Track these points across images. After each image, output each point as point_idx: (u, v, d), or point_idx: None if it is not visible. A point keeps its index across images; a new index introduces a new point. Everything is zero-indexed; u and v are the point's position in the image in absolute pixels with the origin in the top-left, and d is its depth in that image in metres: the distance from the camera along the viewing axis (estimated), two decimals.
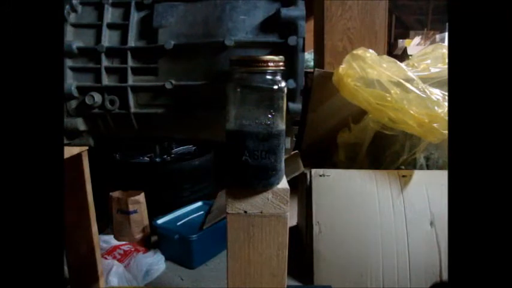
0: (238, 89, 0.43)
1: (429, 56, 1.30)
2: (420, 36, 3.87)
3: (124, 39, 0.54)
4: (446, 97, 1.14)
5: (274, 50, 0.51)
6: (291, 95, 0.51)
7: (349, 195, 1.23)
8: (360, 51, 1.23)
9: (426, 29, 4.66)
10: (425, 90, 1.14)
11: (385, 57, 1.26)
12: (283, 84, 0.43)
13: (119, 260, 1.43)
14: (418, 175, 1.26)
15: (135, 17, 0.55)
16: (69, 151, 0.78)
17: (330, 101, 1.39)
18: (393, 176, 1.26)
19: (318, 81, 1.38)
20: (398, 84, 1.16)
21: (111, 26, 0.55)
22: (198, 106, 0.54)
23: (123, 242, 1.59)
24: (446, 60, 1.27)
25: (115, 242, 1.57)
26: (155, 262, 1.47)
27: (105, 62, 0.54)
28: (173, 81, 0.53)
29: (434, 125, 1.11)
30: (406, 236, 1.24)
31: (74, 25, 0.55)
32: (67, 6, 0.55)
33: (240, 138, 0.43)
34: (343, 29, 1.56)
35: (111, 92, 0.54)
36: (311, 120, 1.43)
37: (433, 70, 1.25)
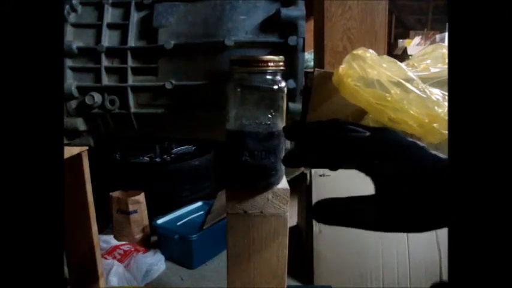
0: (238, 89, 0.43)
1: (429, 56, 1.30)
2: (420, 36, 3.86)
3: (124, 39, 0.54)
4: (446, 97, 1.14)
5: (274, 50, 0.51)
6: (291, 95, 0.51)
7: (349, 195, 1.22)
8: (360, 51, 1.23)
9: (426, 29, 4.65)
10: (425, 90, 1.14)
11: (385, 57, 1.26)
12: (283, 84, 0.43)
13: (119, 260, 1.43)
14: None
15: (135, 17, 0.55)
16: (69, 151, 0.78)
17: (330, 101, 1.39)
18: None
19: (318, 81, 1.38)
20: (398, 84, 1.16)
21: (111, 26, 0.55)
22: (198, 106, 0.54)
23: (123, 242, 1.59)
24: (446, 60, 1.27)
25: (115, 242, 1.57)
26: (155, 262, 1.47)
27: (105, 62, 0.54)
28: (173, 81, 0.53)
29: (434, 125, 1.11)
30: (406, 236, 1.24)
31: (74, 25, 0.55)
32: (67, 6, 0.55)
33: (240, 138, 0.43)
34: (343, 29, 1.56)
35: (111, 92, 0.54)
36: (311, 120, 1.43)
37: (433, 70, 1.25)
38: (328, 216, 0.34)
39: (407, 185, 0.30)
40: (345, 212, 0.34)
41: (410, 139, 0.33)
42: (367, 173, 0.34)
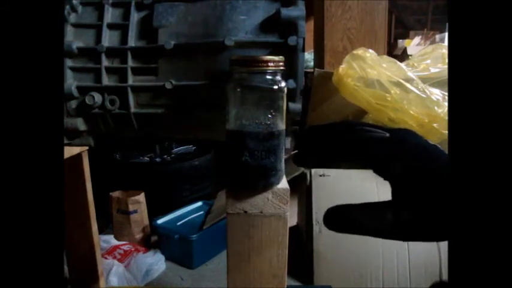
0: (238, 89, 0.43)
1: (429, 56, 1.30)
2: (420, 36, 3.86)
3: (124, 39, 0.54)
4: (446, 97, 1.14)
5: (274, 50, 0.51)
6: (291, 95, 0.51)
7: (349, 195, 1.23)
8: (360, 51, 1.23)
9: (426, 29, 4.66)
10: (425, 90, 1.14)
11: (385, 57, 1.26)
12: (283, 84, 0.43)
13: (119, 260, 1.43)
14: None
15: (135, 17, 0.55)
16: (69, 151, 0.78)
17: (330, 101, 1.39)
18: None
19: (318, 81, 1.38)
20: (398, 84, 1.16)
21: (111, 26, 0.55)
22: (198, 106, 0.54)
23: (123, 242, 1.59)
24: (446, 60, 1.27)
25: (115, 242, 1.57)
26: (155, 262, 1.47)
27: (105, 62, 0.54)
28: (173, 81, 0.53)
29: (434, 125, 1.11)
30: None
31: (74, 25, 0.55)
32: (67, 7, 0.55)
33: (240, 138, 0.43)
34: (343, 29, 1.56)
35: (111, 92, 0.54)
36: (311, 120, 1.43)
37: (433, 70, 1.25)
38: (341, 224, 0.33)
39: (426, 188, 0.29)
40: (360, 219, 0.32)
41: (431, 142, 0.32)
42: (385, 177, 0.32)
